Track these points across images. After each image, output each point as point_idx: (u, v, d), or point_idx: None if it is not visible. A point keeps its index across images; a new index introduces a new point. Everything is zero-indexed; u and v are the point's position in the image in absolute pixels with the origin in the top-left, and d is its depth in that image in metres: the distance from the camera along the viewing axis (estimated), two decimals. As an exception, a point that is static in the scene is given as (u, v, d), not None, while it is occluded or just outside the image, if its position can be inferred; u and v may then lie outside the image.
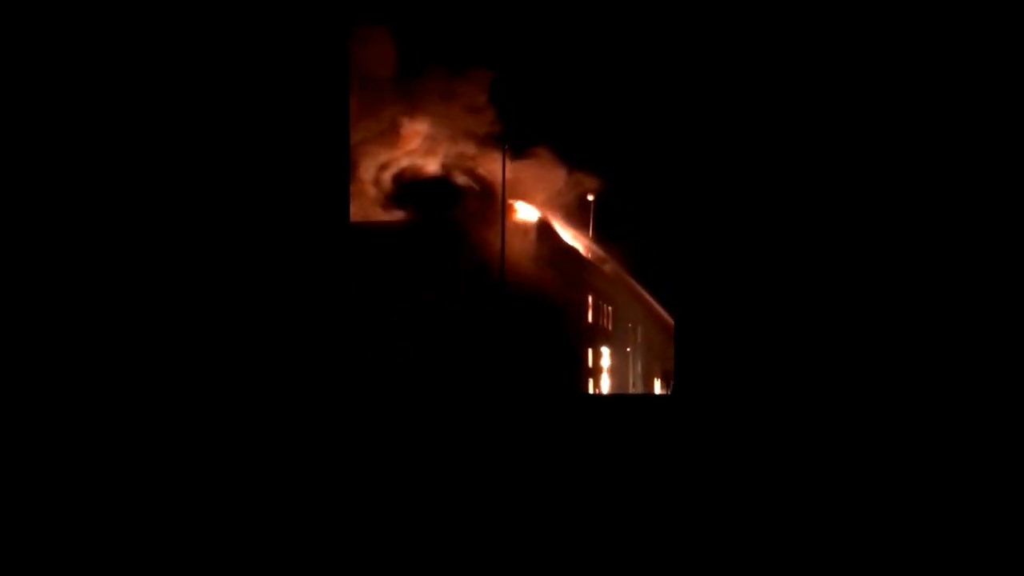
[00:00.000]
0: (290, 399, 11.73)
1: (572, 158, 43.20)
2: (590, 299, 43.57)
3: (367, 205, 40.31)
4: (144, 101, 9.91)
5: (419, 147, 41.85)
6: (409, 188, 41.18)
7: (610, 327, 46.77)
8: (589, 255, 44.45)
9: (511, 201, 39.56)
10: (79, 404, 9.21)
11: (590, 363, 43.14)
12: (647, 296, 47.50)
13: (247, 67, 11.11)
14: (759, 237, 12.05)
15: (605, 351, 45.18)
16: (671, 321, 47.96)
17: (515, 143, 39.50)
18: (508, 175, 36.34)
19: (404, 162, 41.51)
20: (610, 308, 46.77)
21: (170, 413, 10.08)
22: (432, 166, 41.93)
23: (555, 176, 42.89)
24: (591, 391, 42.12)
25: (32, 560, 7.87)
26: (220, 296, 10.83)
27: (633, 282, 46.65)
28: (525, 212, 41.32)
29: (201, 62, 10.51)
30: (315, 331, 12.32)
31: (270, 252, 11.52)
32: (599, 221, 44.79)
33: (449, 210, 40.74)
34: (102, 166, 9.50)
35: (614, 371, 45.88)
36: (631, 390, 47.26)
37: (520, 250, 38.10)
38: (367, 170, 41.04)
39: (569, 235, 43.57)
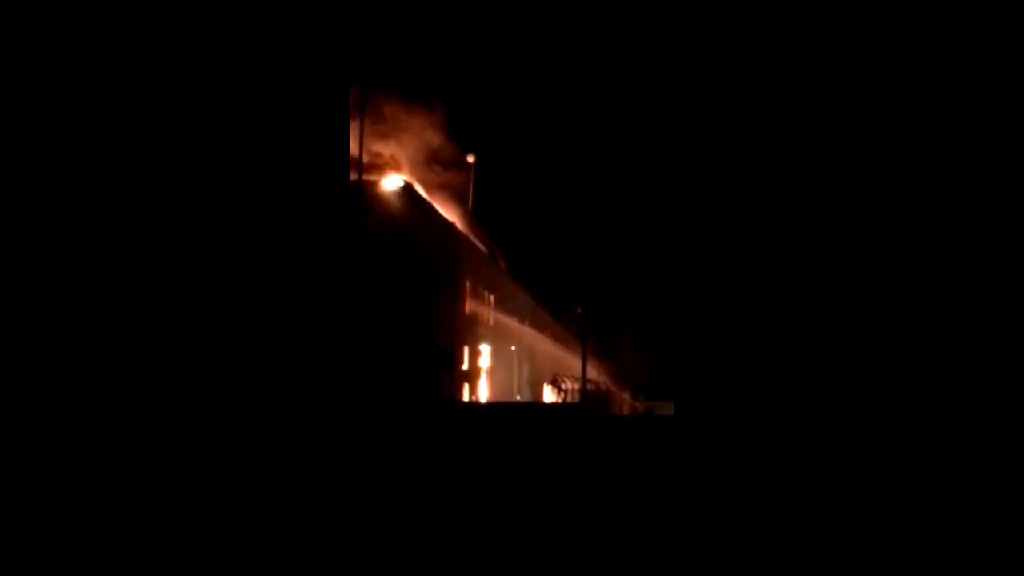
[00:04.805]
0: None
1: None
2: (467, 284, 36.05)
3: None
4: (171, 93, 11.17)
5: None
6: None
7: (492, 320, 39.27)
8: (468, 230, 37.20)
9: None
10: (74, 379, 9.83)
11: (466, 364, 35.47)
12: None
13: (261, 64, 12.52)
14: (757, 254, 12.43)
15: (485, 349, 37.69)
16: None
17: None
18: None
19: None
20: (492, 296, 39.27)
21: (170, 392, 10.75)
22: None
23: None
24: (467, 398, 34.55)
25: (32, 560, 8.17)
26: (229, 258, 11.68)
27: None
28: (388, 175, 33.86)
29: (222, 62, 11.84)
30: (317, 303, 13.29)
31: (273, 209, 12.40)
32: (482, 188, 37.50)
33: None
34: (124, 149, 10.57)
35: (496, 374, 38.51)
36: (516, 397, 39.96)
37: (381, 221, 30.33)
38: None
39: (443, 205, 36.22)
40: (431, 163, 35.44)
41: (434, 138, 34.97)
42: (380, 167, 34.09)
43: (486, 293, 38.73)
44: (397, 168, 34.60)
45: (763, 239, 12.44)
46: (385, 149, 34.38)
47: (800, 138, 12.09)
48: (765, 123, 12.23)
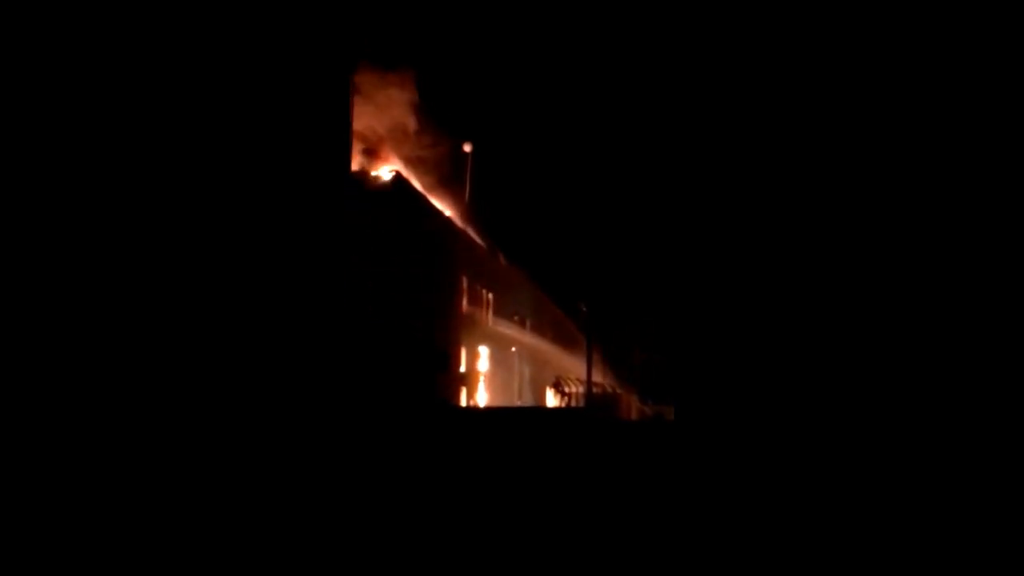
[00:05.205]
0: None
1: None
2: (464, 281, 34.28)
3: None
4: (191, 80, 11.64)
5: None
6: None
7: (490, 319, 37.51)
8: (465, 224, 35.58)
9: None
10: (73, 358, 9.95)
11: (463, 366, 33.76)
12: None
13: (261, 59, 12.58)
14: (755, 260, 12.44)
15: (484, 351, 35.95)
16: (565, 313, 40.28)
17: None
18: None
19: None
20: (490, 295, 37.40)
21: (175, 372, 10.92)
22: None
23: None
24: (464, 402, 32.82)
25: (31, 559, 8.19)
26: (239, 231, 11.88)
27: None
28: (380, 166, 32.17)
29: (222, 57, 11.94)
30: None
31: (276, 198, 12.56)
32: (480, 180, 35.89)
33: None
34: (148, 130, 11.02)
35: (496, 376, 36.79)
36: (517, 401, 38.23)
37: (370, 215, 28.43)
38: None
39: (440, 198, 34.55)
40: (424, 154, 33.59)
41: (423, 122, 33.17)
42: (373, 159, 32.47)
43: (485, 292, 37.07)
44: (388, 156, 32.83)
45: (763, 242, 12.41)
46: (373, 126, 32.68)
47: (801, 140, 12.07)
48: (768, 123, 12.19)
